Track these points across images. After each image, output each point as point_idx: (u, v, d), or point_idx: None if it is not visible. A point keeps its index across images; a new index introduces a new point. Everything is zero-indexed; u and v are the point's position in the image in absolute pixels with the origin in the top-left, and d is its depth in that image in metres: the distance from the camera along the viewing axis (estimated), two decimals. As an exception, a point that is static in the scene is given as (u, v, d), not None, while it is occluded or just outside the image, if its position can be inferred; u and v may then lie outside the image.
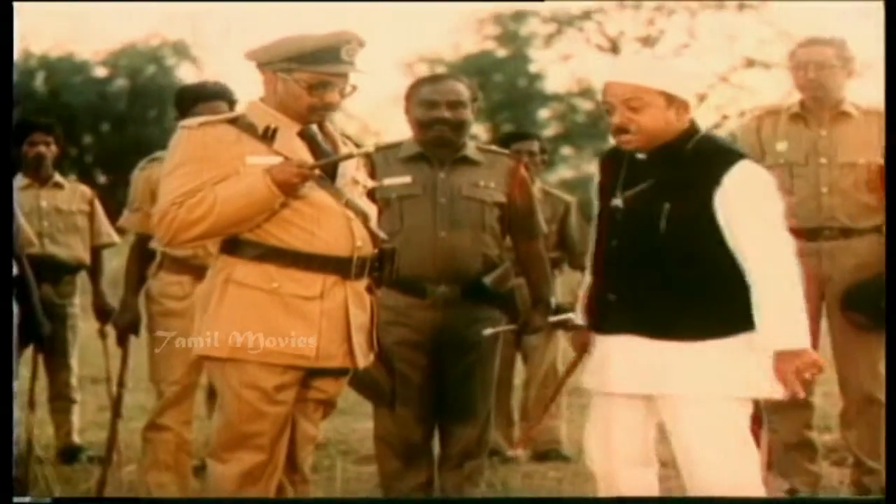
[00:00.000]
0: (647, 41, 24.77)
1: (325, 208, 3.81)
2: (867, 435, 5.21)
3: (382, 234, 3.94)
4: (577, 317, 4.05)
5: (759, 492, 3.79)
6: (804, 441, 5.27)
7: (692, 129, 3.85)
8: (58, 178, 6.47)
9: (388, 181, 4.32)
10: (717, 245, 3.71)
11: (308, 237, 3.78)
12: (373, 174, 4.20)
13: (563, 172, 24.27)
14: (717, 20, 24.32)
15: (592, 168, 26.60)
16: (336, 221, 3.81)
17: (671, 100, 3.77)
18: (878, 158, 5.15)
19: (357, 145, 4.02)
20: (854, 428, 5.25)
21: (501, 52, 25.11)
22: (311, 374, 3.86)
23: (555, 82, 25.63)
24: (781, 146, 5.24)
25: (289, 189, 3.73)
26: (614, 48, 24.77)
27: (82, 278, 6.51)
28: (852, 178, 5.18)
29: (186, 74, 25.36)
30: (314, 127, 3.91)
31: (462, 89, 4.78)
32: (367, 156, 4.09)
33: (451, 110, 4.74)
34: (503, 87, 24.49)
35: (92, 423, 6.94)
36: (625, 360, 3.79)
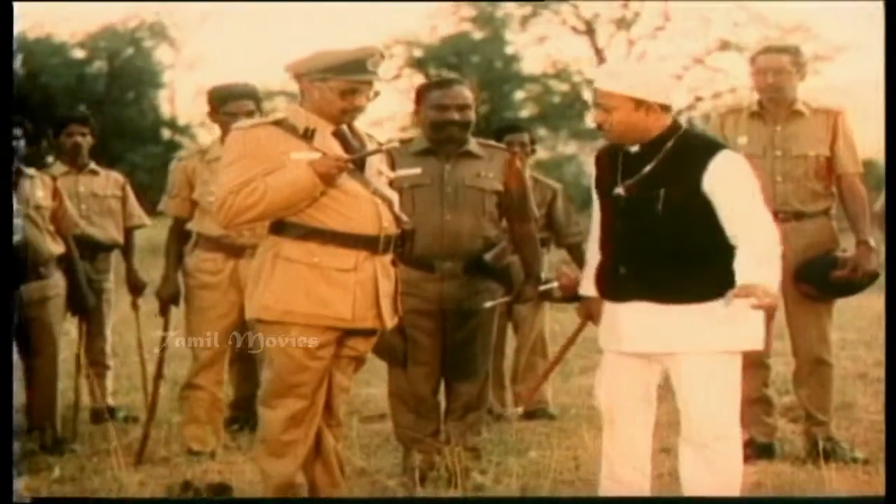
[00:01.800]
0: (622, 23, 25.39)
1: (357, 195, 4.64)
2: (816, 392, 6.02)
3: (404, 217, 4.78)
4: (588, 288, 4.86)
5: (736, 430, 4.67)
6: (762, 397, 6.06)
7: (675, 126, 4.68)
8: (93, 165, 7.24)
9: (401, 173, 5.03)
10: (706, 220, 4.53)
11: (343, 219, 4.61)
12: (393, 166, 5.01)
13: (540, 154, 24.76)
14: (692, 3, 24.83)
15: (568, 149, 26.76)
16: (366, 206, 4.65)
17: (640, 103, 4.62)
18: (826, 151, 5.99)
19: (380, 143, 4.87)
20: (805, 386, 6.05)
21: (478, 35, 25.57)
22: (346, 334, 4.69)
23: (531, 64, 26.08)
24: (742, 140, 6.03)
25: (328, 179, 4.56)
26: (589, 30, 25.36)
27: (116, 256, 7.32)
28: (803, 168, 5.97)
29: (164, 56, 25.87)
30: (345, 127, 4.74)
31: (468, 93, 5.54)
32: (390, 151, 4.94)
33: (460, 112, 5.49)
34: (480, 69, 24.95)
35: (115, 390, 7.72)
36: (634, 324, 4.61)
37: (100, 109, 24.01)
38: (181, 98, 26.60)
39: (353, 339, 4.74)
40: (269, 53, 26.57)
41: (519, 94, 25.69)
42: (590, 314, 4.91)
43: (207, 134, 25.42)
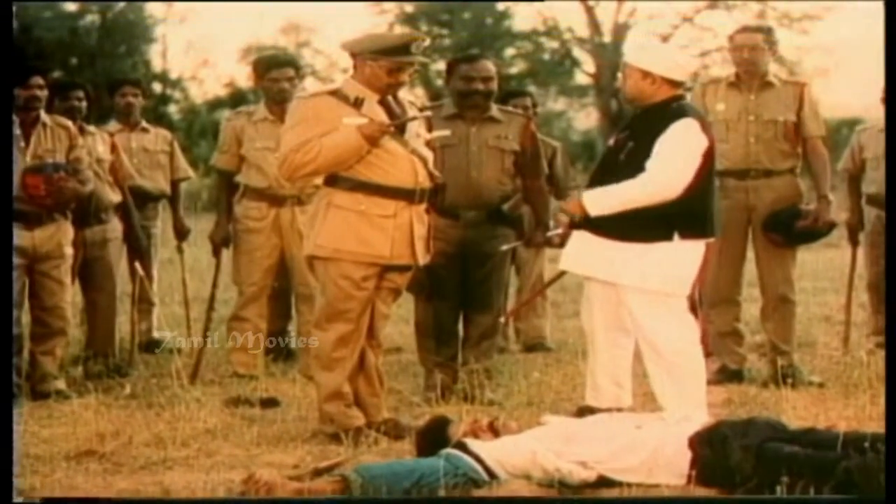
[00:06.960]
0: (612, -19, 26.19)
1: (397, 154, 5.72)
2: (780, 326, 7.17)
3: (437, 173, 5.88)
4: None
5: (695, 347, 5.78)
6: (734, 330, 7.21)
7: (675, 97, 5.84)
8: (144, 123, 8.37)
9: (434, 134, 6.07)
10: None
11: (385, 174, 5.70)
12: (430, 129, 6.07)
13: (529, 110, 25.36)
14: (682, -40, 25.56)
15: (558, 105, 27.45)
16: (404, 163, 5.74)
17: (646, 74, 5.80)
18: (793, 117, 7.10)
19: (420, 109, 5.99)
20: (771, 321, 7.21)
21: (470, -9, 26.39)
22: (385, 269, 5.79)
23: (521, 21, 26.59)
24: (720, 107, 7.14)
25: (373, 141, 5.65)
26: (580, -13, 26.18)
27: (163, 205, 8.46)
28: (773, 131, 7.09)
29: (156, 9, 26.52)
30: (389, 97, 5.82)
31: (491, 67, 6.66)
32: (427, 118, 6.04)
33: (484, 84, 6.61)
34: (471, 26, 25.67)
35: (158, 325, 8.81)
36: (575, 247, 5.82)
37: (92, 63, 24.57)
38: (173, 52, 27.36)
39: (392, 273, 5.84)
40: (260, 8, 27.47)
41: (509, 51, 26.36)
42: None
43: (198, 88, 26.43)
